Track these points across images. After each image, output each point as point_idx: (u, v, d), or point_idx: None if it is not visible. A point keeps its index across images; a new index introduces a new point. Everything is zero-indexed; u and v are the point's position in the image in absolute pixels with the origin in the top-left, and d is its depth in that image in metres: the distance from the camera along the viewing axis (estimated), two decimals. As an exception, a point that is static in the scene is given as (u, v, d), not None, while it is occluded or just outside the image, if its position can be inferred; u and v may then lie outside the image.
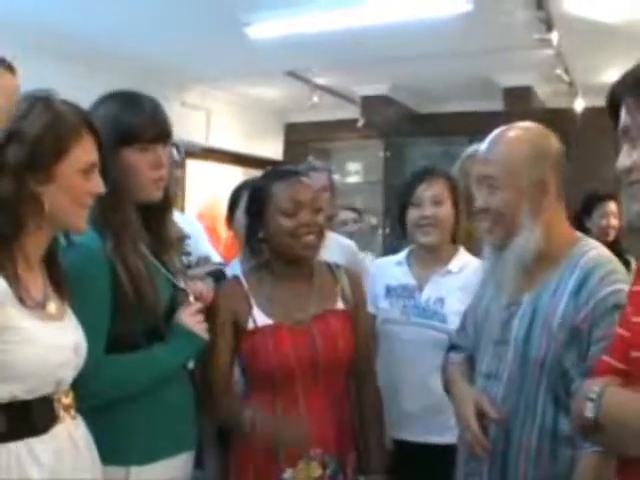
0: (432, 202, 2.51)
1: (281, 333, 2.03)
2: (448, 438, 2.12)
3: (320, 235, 2.10)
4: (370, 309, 2.55)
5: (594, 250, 1.76)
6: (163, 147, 1.89)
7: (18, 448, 1.43)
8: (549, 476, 1.69)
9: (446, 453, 2.05)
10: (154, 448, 1.83)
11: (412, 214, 2.53)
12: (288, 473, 1.97)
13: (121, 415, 1.80)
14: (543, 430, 1.70)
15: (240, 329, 2.05)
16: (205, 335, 1.90)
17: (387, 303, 2.55)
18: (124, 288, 1.75)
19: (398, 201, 2.65)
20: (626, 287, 1.59)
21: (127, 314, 1.77)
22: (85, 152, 1.55)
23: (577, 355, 1.66)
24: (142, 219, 1.88)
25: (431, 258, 2.55)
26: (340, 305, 2.14)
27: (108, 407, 1.78)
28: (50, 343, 1.49)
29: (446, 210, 2.53)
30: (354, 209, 5.07)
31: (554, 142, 1.82)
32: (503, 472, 1.76)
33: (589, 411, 1.29)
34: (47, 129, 1.49)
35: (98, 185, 1.59)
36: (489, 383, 1.83)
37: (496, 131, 1.86)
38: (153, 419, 1.85)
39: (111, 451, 1.73)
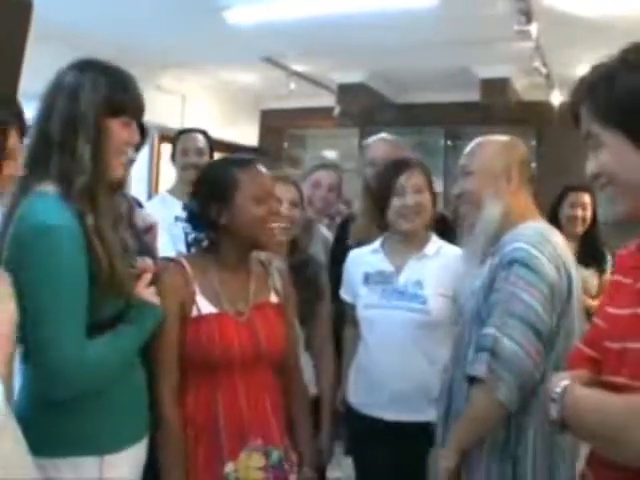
0: (414, 191, 2.60)
1: (226, 322, 2.00)
2: (430, 416, 2.20)
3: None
4: (347, 297, 2.73)
5: (531, 225, 2.01)
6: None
7: None
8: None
9: (428, 429, 2.15)
10: (125, 433, 1.79)
11: (395, 202, 2.60)
12: (229, 467, 1.93)
13: (90, 402, 1.73)
14: (464, 373, 1.96)
15: (183, 316, 1.99)
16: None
17: (366, 289, 2.61)
18: (100, 263, 1.69)
19: (379, 191, 2.71)
20: (531, 249, 1.88)
21: (100, 294, 1.70)
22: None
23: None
24: None
25: (406, 244, 2.63)
26: (274, 298, 2.15)
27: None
28: None
29: (426, 198, 2.62)
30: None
31: (521, 147, 2.22)
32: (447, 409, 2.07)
33: (553, 411, 1.30)
34: None
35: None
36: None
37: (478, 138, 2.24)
38: (122, 403, 1.79)
39: (83, 441, 1.69)
